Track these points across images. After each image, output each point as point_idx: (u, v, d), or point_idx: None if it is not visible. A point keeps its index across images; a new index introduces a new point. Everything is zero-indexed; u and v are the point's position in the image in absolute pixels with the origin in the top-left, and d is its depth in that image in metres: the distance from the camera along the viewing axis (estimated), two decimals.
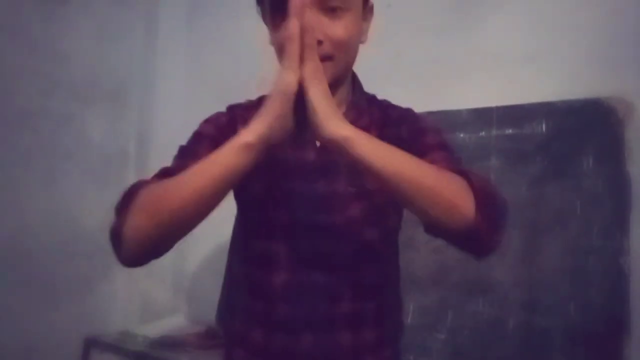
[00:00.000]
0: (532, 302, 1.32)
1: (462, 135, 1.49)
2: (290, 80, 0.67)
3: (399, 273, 0.93)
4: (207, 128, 0.92)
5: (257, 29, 0.90)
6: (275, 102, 0.68)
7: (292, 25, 0.67)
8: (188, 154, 0.86)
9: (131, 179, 2.25)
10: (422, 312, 1.47)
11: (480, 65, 1.53)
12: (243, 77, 2.13)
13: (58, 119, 1.97)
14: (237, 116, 0.92)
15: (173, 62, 2.24)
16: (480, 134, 1.46)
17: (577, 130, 1.33)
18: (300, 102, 0.68)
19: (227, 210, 2.26)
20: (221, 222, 1.96)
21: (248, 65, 2.07)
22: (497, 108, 1.45)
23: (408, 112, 0.92)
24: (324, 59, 0.75)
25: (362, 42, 0.86)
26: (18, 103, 1.87)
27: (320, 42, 0.75)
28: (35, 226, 1.90)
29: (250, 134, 0.68)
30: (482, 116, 1.47)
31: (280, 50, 0.75)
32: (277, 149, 0.74)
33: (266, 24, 0.85)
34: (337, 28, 0.78)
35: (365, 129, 0.74)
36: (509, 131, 1.42)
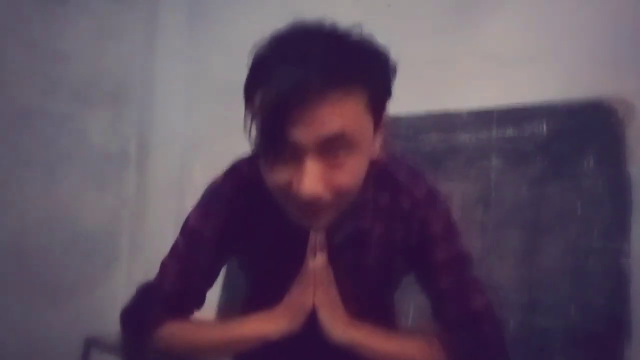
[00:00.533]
0: (532, 303, 1.32)
1: (462, 136, 1.49)
2: (307, 302, 0.75)
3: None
4: (206, 228, 0.86)
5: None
6: (292, 313, 0.76)
7: (317, 264, 0.74)
8: (189, 263, 0.87)
9: (131, 179, 2.28)
10: (422, 312, 1.47)
11: (481, 65, 1.52)
12: (243, 77, 2.13)
13: (58, 119, 1.97)
14: (240, 192, 0.84)
15: (173, 62, 2.24)
16: (481, 134, 1.46)
17: (577, 130, 1.33)
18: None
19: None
20: None
21: (248, 65, 2.07)
22: (498, 108, 1.45)
23: (421, 202, 0.79)
24: (322, 207, 0.67)
25: (372, 158, 0.72)
26: (18, 103, 1.87)
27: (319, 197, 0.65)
28: (35, 226, 1.90)
29: (272, 328, 0.77)
30: (483, 117, 1.46)
31: (272, 188, 0.69)
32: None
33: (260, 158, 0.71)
34: (340, 176, 0.65)
35: (368, 231, 0.80)
36: (509, 132, 1.42)
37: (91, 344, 1.84)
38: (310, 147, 0.62)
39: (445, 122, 1.50)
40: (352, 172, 0.66)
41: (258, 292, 0.93)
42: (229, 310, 1.87)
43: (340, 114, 0.62)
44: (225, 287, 1.90)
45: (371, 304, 0.85)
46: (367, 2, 1.73)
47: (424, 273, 0.82)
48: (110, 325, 2.03)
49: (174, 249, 0.90)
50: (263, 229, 0.82)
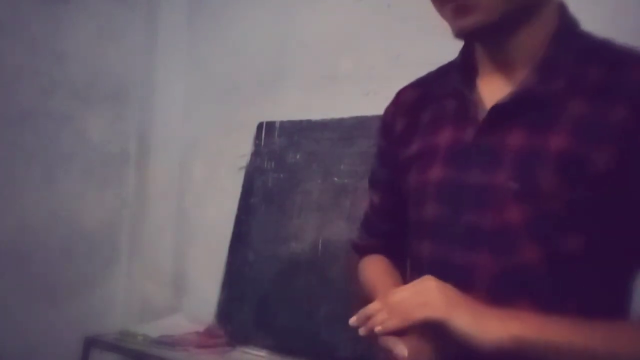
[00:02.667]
0: None
1: None
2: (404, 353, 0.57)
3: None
4: (379, 141, 0.87)
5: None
6: None
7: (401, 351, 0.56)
8: (378, 184, 0.86)
9: (131, 179, 2.29)
10: None
11: None
12: (243, 77, 2.14)
13: (58, 119, 1.97)
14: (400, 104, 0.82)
15: (173, 62, 2.24)
16: None
17: None
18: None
19: (227, 211, 2.27)
20: (221, 222, 1.98)
21: (248, 65, 2.08)
22: None
23: None
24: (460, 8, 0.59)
25: None
26: (18, 103, 1.87)
27: None
28: (35, 226, 1.90)
29: None
30: None
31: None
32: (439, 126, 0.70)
33: None
34: None
35: (558, 96, 0.59)
36: None
37: (91, 343, 1.84)
38: None
39: None
40: None
41: (407, 204, 0.75)
42: (229, 310, 1.87)
43: None
44: (225, 287, 1.90)
45: (549, 239, 0.58)
46: (367, 2, 1.73)
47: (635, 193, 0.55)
48: (111, 324, 2.04)
49: None
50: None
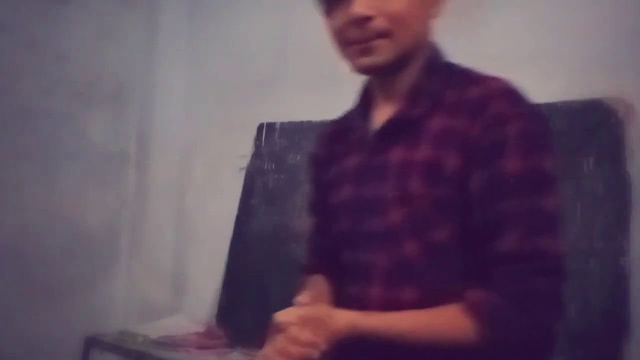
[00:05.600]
0: None
1: None
2: None
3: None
4: (310, 170, 0.96)
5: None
6: None
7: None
8: (315, 207, 0.94)
9: (131, 179, 2.28)
10: None
11: (481, 65, 1.52)
12: (243, 77, 2.14)
13: (58, 119, 1.97)
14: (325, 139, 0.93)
15: (173, 62, 2.24)
16: None
17: (577, 131, 1.33)
18: None
19: (226, 211, 2.27)
20: (221, 222, 1.97)
21: (248, 65, 2.08)
22: None
23: (491, 96, 0.69)
24: (378, 35, 0.70)
25: (432, 17, 0.75)
26: (18, 103, 1.87)
27: (370, 18, 0.69)
28: (35, 226, 1.90)
29: None
30: None
31: (333, 37, 0.75)
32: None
33: (318, 8, 0.78)
34: (393, 2, 0.69)
35: (422, 118, 0.73)
36: None
37: (91, 343, 1.84)
38: None
39: None
40: (405, 0, 0.69)
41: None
42: (229, 310, 1.87)
43: None
44: (225, 287, 1.90)
45: (423, 233, 0.70)
46: None
47: (484, 184, 0.66)
48: (111, 324, 2.04)
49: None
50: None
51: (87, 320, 2.00)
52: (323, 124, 0.97)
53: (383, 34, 0.70)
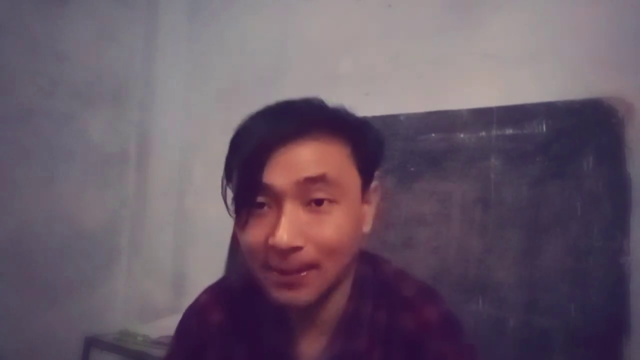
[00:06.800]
0: (532, 303, 1.32)
1: (462, 135, 1.49)
2: None
3: None
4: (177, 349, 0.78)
5: None
6: None
7: None
8: None
9: (131, 179, 2.28)
10: None
11: (481, 65, 1.52)
12: (243, 77, 2.14)
13: (58, 119, 1.97)
14: (209, 322, 0.75)
15: (173, 62, 2.24)
16: (481, 134, 1.46)
17: (577, 130, 1.33)
18: None
19: (226, 211, 2.25)
20: (221, 222, 1.97)
21: (248, 65, 2.08)
22: (498, 108, 1.45)
23: (434, 327, 0.65)
24: (307, 267, 0.59)
25: (364, 231, 0.66)
26: (18, 103, 1.87)
27: (299, 248, 0.58)
28: (35, 226, 1.90)
29: None
30: (483, 116, 1.46)
31: (247, 253, 0.64)
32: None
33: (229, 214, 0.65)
34: (324, 228, 0.59)
35: (365, 352, 0.65)
36: (509, 131, 1.42)
37: (91, 343, 1.84)
38: (288, 191, 0.58)
39: (445, 122, 1.50)
40: (337, 226, 0.59)
41: None
42: None
43: (321, 158, 0.59)
44: None
45: None
46: (368, 2, 1.73)
47: None
48: (110, 324, 2.04)
49: None
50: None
51: (87, 320, 2.00)
52: (206, 298, 0.79)
53: (311, 266, 0.59)
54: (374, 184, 0.67)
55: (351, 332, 0.66)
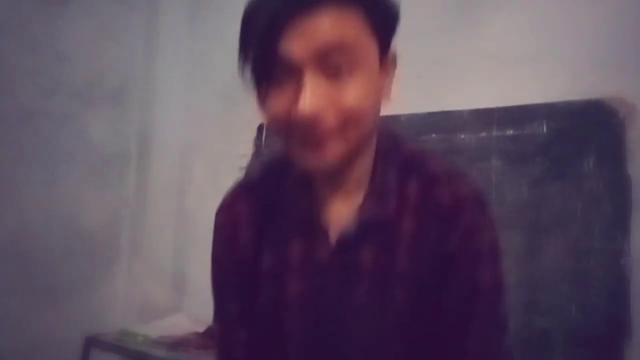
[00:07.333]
0: (532, 303, 1.32)
1: (462, 135, 1.49)
2: None
3: None
4: (221, 272, 0.83)
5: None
6: None
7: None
8: (228, 322, 0.81)
9: (131, 179, 2.28)
10: None
11: (481, 65, 1.52)
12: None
13: (59, 119, 1.97)
14: (239, 215, 0.77)
15: (173, 62, 2.24)
16: (481, 134, 1.46)
17: (578, 131, 1.33)
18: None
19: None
20: None
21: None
22: (498, 109, 1.45)
23: (464, 204, 0.67)
24: (329, 134, 0.60)
25: (384, 99, 0.68)
26: (19, 103, 1.87)
27: (322, 116, 0.60)
28: (35, 226, 1.90)
29: None
30: (483, 117, 1.46)
31: (269, 124, 0.65)
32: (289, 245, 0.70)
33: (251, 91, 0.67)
34: (345, 95, 0.59)
35: (394, 219, 0.67)
36: (510, 132, 1.42)
37: (91, 343, 1.84)
38: (307, 60, 0.58)
39: (446, 122, 1.50)
40: (357, 92, 0.60)
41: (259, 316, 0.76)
42: None
43: (338, 24, 0.59)
44: None
45: (400, 339, 0.67)
46: None
47: (460, 294, 0.66)
48: (110, 324, 2.04)
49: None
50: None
51: (87, 320, 2.00)
52: (238, 184, 0.80)
53: (335, 133, 0.61)
54: (391, 52, 0.69)
55: (380, 200, 0.67)
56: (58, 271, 1.95)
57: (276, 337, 0.72)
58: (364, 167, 0.69)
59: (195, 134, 2.18)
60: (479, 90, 1.51)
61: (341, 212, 0.69)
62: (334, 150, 0.61)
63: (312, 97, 0.58)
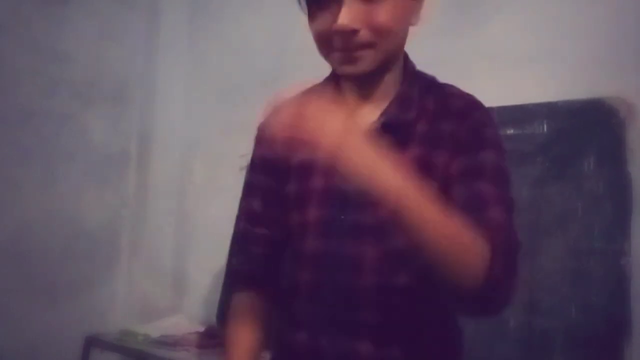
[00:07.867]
0: (532, 303, 1.32)
1: None
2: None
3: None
4: (257, 150, 0.92)
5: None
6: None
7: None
8: (258, 190, 0.89)
9: (131, 179, 2.28)
10: None
11: (481, 65, 1.52)
12: (243, 77, 2.14)
13: (59, 119, 1.97)
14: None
15: (173, 62, 2.24)
16: None
17: (578, 131, 1.33)
18: None
19: (227, 210, 2.26)
20: (221, 222, 1.97)
21: (248, 65, 2.07)
22: (498, 108, 1.45)
23: (473, 107, 0.80)
24: (363, 46, 0.73)
25: (412, 24, 0.79)
26: (19, 103, 1.87)
27: (356, 31, 0.71)
28: (35, 226, 1.90)
29: None
30: None
31: (316, 39, 0.77)
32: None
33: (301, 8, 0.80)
34: (378, 14, 0.71)
35: (411, 122, 0.78)
36: (510, 131, 1.42)
37: (91, 342, 1.84)
38: None
39: None
40: (389, 13, 0.72)
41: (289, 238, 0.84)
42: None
43: None
44: (226, 287, 1.90)
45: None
46: None
47: (466, 167, 0.74)
48: (110, 324, 2.04)
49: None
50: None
51: (87, 320, 2.00)
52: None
53: (367, 46, 0.73)
54: None
55: (401, 107, 0.79)
56: (58, 271, 1.95)
57: (296, 230, 0.81)
58: (390, 81, 0.80)
59: (195, 134, 2.18)
60: (479, 90, 1.50)
61: (368, 120, 0.79)
62: (366, 59, 0.74)
63: (348, 13, 0.70)
